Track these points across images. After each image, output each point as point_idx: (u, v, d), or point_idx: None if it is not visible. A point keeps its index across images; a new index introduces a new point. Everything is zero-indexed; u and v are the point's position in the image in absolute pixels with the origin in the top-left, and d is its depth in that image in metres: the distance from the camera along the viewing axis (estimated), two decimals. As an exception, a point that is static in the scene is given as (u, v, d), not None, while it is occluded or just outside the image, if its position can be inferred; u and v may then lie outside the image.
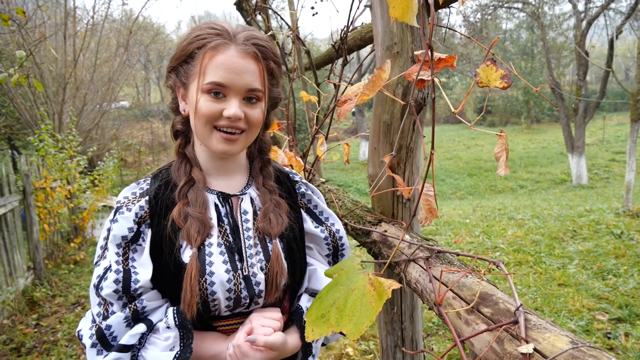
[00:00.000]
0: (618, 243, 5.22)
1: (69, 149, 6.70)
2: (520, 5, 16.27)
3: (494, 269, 0.79)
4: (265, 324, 1.02)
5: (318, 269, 1.20)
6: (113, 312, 0.97)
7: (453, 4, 1.41)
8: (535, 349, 0.59)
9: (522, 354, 0.59)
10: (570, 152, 13.86)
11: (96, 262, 1.03)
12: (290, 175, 1.27)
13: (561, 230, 6.09)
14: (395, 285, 0.89)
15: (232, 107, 1.00)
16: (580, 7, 13.83)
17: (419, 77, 1.10)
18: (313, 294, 1.18)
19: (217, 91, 0.99)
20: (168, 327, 0.98)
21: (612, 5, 13.15)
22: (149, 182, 1.09)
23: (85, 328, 0.99)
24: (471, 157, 20.18)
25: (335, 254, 1.25)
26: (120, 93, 17.17)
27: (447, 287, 0.83)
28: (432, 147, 0.99)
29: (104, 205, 7.62)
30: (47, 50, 8.76)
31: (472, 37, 1.23)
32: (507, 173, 0.79)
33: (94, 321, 0.99)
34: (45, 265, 5.75)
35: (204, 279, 0.99)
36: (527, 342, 0.61)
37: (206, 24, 1.05)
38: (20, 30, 5.96)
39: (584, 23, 13.01)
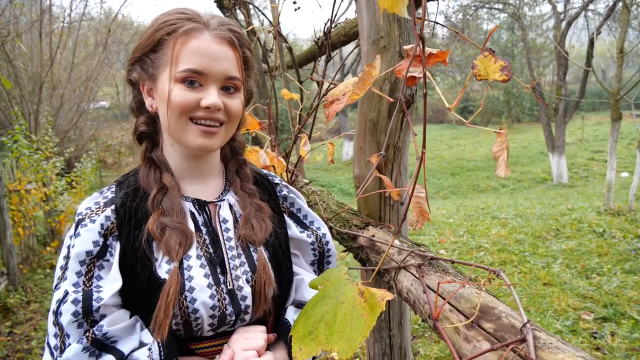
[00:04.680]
0: (600, 241, 5.25)
1: (44, 150, 6.50)
2: (501, 6, 16.42)
3: (494, 279, 0.73)
4: (247, 347, 0.92)
5: (305, 278, 1.10)
6: (70, 345, 0.84)
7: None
8: (548, 373, 0.52)
9: (533, 379, 0.53)
10: (551, 151, 14.02)
11: (56, 286, 0.90)
12: (270, 177, 1.18)
13: (544, 229, 6.11)
14: (389, 295, 0.81)
15: (211, 96, 0.90)
16: (560, 8, 14.02)
17: (409, 74, 1.03)
18: (299, 305, 1.09)
19: (193, 79, 0.90)
20: None
21: (591, 6, 13.34)
22: (113, 190, 0.98)
23: None
24: (454, 157, 20.30)
25: (320, 261, 1.16)
26: (99, 93, 16.83)
27: (444, 299, 0.76)
28: (424, 147, 0.93)
29: (82, 208, 7.43)
30: (22, 48, 8.52)
31: (460, 33, 1.17)
32: (507, 174, 0.73)
33: (52, 354, 0.86)
34: (20, 270, 5.56)
35: (184, 297, 0.88)
36: (537, 364, 0.54)
37: (174, 9, 0.95)
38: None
39: (564, 24, 13.17)
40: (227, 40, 0.92)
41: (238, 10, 2.95)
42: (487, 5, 16.47)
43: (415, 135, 0.88)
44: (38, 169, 6.17)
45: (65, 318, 0.84)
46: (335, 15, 1.64)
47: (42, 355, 3.86)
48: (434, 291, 0.80)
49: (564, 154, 13.82)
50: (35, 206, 6.13)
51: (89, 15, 13.23)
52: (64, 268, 0.90)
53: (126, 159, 19.92)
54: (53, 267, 6.24)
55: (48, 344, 0.88)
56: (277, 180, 1.18)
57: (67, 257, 0.91)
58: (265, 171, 1.21)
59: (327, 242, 1.16)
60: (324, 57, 1.92)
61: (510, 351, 0.58)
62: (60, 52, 10.44)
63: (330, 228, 1.42)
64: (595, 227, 5.80)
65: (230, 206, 1.04)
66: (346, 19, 2.26)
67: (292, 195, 1.17)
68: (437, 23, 1.54)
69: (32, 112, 8.52)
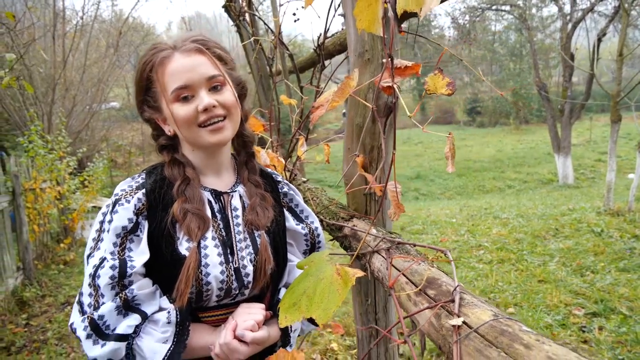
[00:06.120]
0: (597, 241, 5.36)
1: (58, 149, 6.74)
2: (508, 8, 16.48)
3: (441, 257, 0.89)
4: (248, 320, 1.09)
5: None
6: (104, 303, 1.00)
7: (415, 17, 1.50)
8: (463, 322, 0.69)
9: (452, 325, 0.69)
10: (556, 152, 14.08)
11: (89, 254, 1.06)
12: (273, 175, 1.37)
13: (544, 228, 6.23)
14: (360, 273, 0.98)
15: (204, 99, 1.07)
16: (567, 9, 14.06)
17: (384, 84, 1.19)
18: None
19: (184, 95, 1.07)
20: (169, 322, 1.04)
21: (598, 7, 13.38)
22: (143, 176, 1.15)
23: (77, 320, 1.01)
24: (460, 158, 20.37)
25: (311, 250, 1.34)
26: (110, 94, 17.12)
27: (399, 271, 0.92)
28: (394, 148, 1.09)
29: (94, 206, 7.66)
30: (36, 51, 8.77)
31: (439, 42, 1.32)
32: (453, 170, 0.89)
33: (84, 312, 1.01)
34: (35, 265, 5.78)
35: (199, 270, 1.06)
36: (458, 316, 0.70)
37: (148, 47, 1.14)
38: (9, 33, 5.99)
39: (570, 25, 13.23)
40: (193, 51, 1.09)
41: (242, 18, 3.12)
42: (494, 7, 16.55)
43: (384, 139, 1.04)
44: (52, 168, 6.41)
45: (103, 280, 1.01)
46: (329, 29, 1.80)
47: (57, 345, 4.04)
48: (395, 268, 0.96)
49: (570, 155, 13.87)
50: (50, 204, 6.36)
51: (100, 17, 13.51)
52: (97, 239, 1.08)
53: (136, 159, 20.22)
54: (66, 263, 6.46)
55: (80, 302, 1.04)
56: (279, 178, 1.37)
57: (101, 230, 1.08)
58: (269, 170, 1.40)
59: (319, 235, 1.35)
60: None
61: (441, 308, 0.74)
62: (73, 54, 10.69)
63: (321, 220, 1.58)
64: (594, 227, 5.91)
65: (240, 196, 1.22)
66: (342, 29, 2.42)
67: (291, 192, 1.35)
68: (419, 35, 1.70)
69: (46, 113, 8.78)
